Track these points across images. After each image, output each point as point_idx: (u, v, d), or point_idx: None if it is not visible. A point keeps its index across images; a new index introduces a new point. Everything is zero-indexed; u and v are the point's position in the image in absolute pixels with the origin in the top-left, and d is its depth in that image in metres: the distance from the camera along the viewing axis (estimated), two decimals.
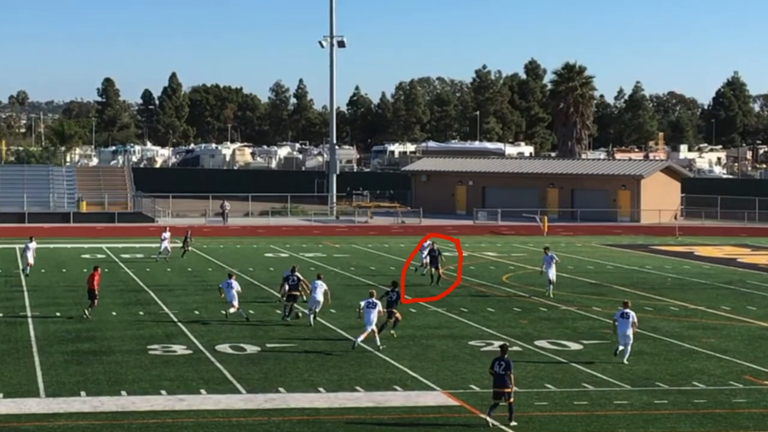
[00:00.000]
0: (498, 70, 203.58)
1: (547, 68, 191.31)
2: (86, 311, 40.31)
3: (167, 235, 60.81)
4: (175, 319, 39.93)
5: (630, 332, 32.44)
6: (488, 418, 25.39)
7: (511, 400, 25.53)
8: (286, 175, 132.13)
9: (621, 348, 32.68)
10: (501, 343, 29.16)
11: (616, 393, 28.61)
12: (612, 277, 53.54)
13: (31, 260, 53.07)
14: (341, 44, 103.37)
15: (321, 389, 28.76)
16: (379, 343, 34.21)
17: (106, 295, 46.15)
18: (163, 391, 28.34)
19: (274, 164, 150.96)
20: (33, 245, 54.08)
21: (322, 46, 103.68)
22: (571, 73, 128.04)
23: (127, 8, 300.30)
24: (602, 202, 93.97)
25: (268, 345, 34.86)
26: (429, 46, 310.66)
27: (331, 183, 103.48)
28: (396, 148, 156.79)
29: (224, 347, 34.43)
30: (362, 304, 35.06)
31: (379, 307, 34.78)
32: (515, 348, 34.61)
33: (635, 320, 32.84)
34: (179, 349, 34.11)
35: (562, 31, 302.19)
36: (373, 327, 34.43)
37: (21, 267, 54.34)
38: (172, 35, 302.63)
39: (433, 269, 50.59)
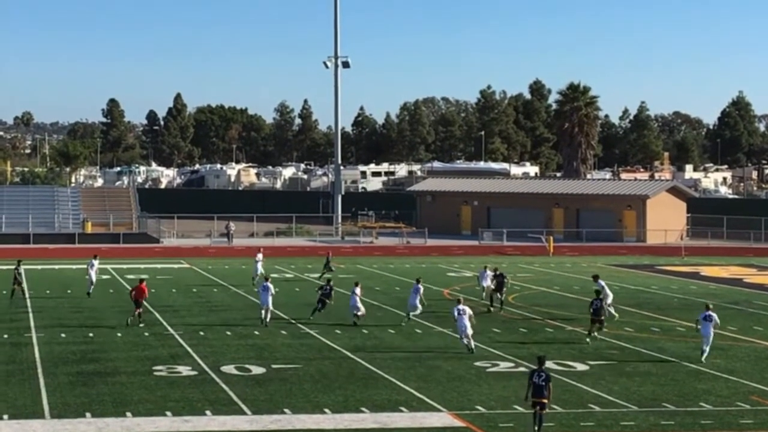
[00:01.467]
0: (503, 90, 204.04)
1: (551, 88, 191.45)
2: (131, 319, 43.31)
3: (260, 256, 60.38)
4: (181, 340, 39.88)
5: (712, 332, 36.32)
6: (536, 428, 25.99)
7: (545, 411, 26.11)
8: (290, 196, 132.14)
9: (706, 348, 36.23)
10: (540, 354, 28.84)
11: (623, 414, 28.55)
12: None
13: (94, 278, 53.75)
14: (346, 65, 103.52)
15: (327, 410, 28.71)
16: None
17: (111, 316, 46.19)
18: (168, 413, 28.28)
19: (279, 185, 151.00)
20: (96, 263, 54.86)
21: (326, 66, 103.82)
22: (575, 93, 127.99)
23: (132, 29, 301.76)
24: (608, 222, 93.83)
25: (274, 366, 34.82)
26: (433, 67, 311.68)
27: (336, 203, 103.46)
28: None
29: (229, 368, 34.38)
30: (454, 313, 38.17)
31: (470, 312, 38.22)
32: (521, 369, 34.58)
33: (717, 321, 36.91)
34: (184, 370, 34.06)
35: (567, 52, 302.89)
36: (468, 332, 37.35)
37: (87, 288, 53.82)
38: (177, 56, 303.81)
39: (498, 295, 49.06)
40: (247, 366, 34.76)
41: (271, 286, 44.30)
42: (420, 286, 45.32)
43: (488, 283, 50.31)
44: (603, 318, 41.11)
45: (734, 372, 34.52)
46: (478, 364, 35.49)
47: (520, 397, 30.02)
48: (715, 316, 36.93)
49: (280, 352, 37.48)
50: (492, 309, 48.09)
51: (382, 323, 44.29)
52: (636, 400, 30.16)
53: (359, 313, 44.13)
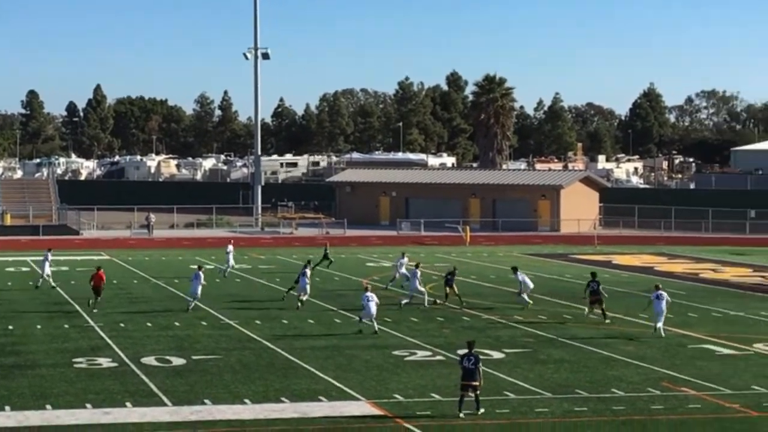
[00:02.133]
0: (420, 82, 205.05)
1: (468, 80, 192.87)
2: (92, 303, 45.82)
3: (231, 248, 60.36)
4: (101, 332, 39.88)
5: (665, 308, 39.52)
6: (459, 413, 27.05)
7: (479, 392, 27.40)
8: (211, 187, 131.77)
9: (659, 325, 39.00)
10: (469, 339, 29.83)
11: (537, 401, 29.07)
12: (533, 286, 53.98)
13: (47, 271, 53.73)
14: (266, 56, 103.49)
15: (247, 401, 28.93)
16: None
17: (31, 308, 46.06)
18: (88, 405, 28.34)
19: (199, 176, 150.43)
20: (50, 256, 55.22)
21: (246, 58, 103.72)
22: (491, 85, 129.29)
23: (50, 20, 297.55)
24: (523, 211, 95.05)
25: (194, 357, 35.00)
26: (352, 58, 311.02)
27: (256, 194, 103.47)
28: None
29: (150, 360, 34.51)
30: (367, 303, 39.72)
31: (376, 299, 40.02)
32: (438, 357, 35.16)
33: (669, 299, 40.13)
34: (105, 362, 34.12)
35: (484, 44, 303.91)
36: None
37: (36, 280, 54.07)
38: (97, 47, 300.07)
39: (447, 288, 48.36)
40: (167, 357, 34.91)
41: (202, 275, 45.99)
42: (418, 270, 47.49)
43: (403, 270, 51.15)
44: (601, 298, 43.11)
45: (645, 359, 35.22)
46: (396, 353, 35.98)
47: (438, 385, 30.69)
48: (665, 294, 39.97)
49: (201, 343, 37.66)
50: (439, 301, 48.16)
51: (301, 313, 44.64)
52: (550, 387, 30.71)
53: (303, 297, 46.26)
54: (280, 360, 34.75)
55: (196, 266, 50.02)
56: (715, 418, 27.48)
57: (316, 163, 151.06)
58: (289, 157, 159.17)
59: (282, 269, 62.58)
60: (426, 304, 46.59)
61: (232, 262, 59.30)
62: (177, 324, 41.75)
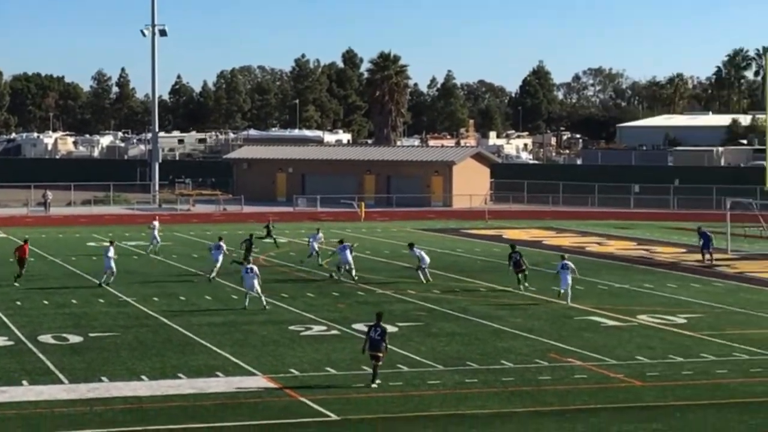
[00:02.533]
0: (317, 59, 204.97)
1: (363, 57, 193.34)
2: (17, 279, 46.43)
3: (156, 224, 60.40)
4: None
5: (570, 279, 42.17)
6: (372, 383, 28.08)
7: (380, 363, 28.18)
8: (108, 164, 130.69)
9: (566, 291, 41.81)
10: (378, 311, 30.65)
11: (429, 373, 29.70)
12: (429, 261, 54.75)
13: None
14: (163, 33, 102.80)
15: (144, 377, 29.17)
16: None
17: None
18: None
19: (96, 153, 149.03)
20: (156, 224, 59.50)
21: (143, 35, 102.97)
22: (386, 62, 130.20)
23: None
24: (416, 187, 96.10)
25: (91, 334, 35.14)
26: (250, 35, 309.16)
27: (154, 171, 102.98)
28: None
29: (46, 337, 34.58)
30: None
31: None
32: (333, 332, 35.83)
33: (574, 268, 42.75)
34: (1, 341, 34.08)
35: (378, 21, 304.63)
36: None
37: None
38: None
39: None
40: (64, 335, 34.98)
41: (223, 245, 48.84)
42: (347, 245, 48.57)
43: (317, 247, 52.21)
44: (525, 268, 45.78)
45: (533, 330, 36.17)
46: (292, 328, 36.50)
47: (333, 360, 31.36)
48: (571, 264, 42.72)
49: (98, 321, 37.79)
50: (334, 276, 48.90)
51: (198, 290, 44.93)
52: (442, 360, 31.38)
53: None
54: (177, 336, 35.08)
55: (218, 238, 51.23)
56: (601, 387, 28.35)
57: (203, 140, 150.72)
58: (177, 134, 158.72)
59: (179, 246, 62.68)
60: (354, 276, 47.63)
61: (158, 238, 59.40)
62: (74, 301, 41.81)
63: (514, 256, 45.92)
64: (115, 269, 46.13)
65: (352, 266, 47.88)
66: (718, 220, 68.02)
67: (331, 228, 73.95)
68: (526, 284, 45.50)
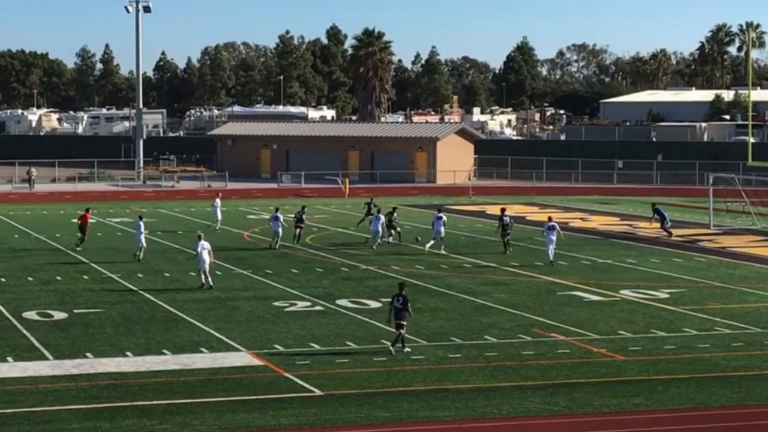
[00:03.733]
0: (301, 36, 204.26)
1: (347, 33, 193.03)
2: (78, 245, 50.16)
3: (219, 201, 60.80)
4: None
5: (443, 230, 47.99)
6: (391, 348, 29.29)
7: (404, 330, 29.33)
8: (92, 141, 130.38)
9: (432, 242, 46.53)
10: (400, 280, 32.50)
11: (413, 349, 29.72)
12: (408, 237, 54.98)
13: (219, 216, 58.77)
14: (147, 9, 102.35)
15: (128, 353, 29.22)
16: None
17: None
18: None
19: (80, 130, 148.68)
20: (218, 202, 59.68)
21: (127, 11, 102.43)
22: (370, 39, 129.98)
23: None
24: (401, 163, 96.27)
25: (76, 311, 35.19)
26: (234, 11, 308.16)
27: (138, 148, 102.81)
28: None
29: (31, 314, 34.63)
30: None
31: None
32: (317, 308, 35.94)
33: (560, 230, 47.26)
34: None
35: None
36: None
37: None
38: None
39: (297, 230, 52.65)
40: (49, 311, 35.04)
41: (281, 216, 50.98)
42: (389, 215, 51.69)
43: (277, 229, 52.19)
44: (509, 232, 49.46)
45: (517, 306, 36.36)
46: (276, 304, 36.60)
47: (317, 335, 31.47)
48: (557, 225, 47.06)
49: (82, 297, 37.85)
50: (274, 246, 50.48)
51: (183, 266, 44.91)
52: (425, 335, 31.50)
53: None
54: (161, 312, 35.16)
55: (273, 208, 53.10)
56: (584, 362, 28.54)
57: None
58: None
59: (165, 223, 62.67)
60: (386, 239, 51.68)
61: (220, 216, 59.54)
62: (59, 278, 41.83)
63: (504, 218, 48.90)
64: (144, 243, 47.33)
65: (442, 235, 50.10)
66: (700, 196, 68.31)
67: (315, 204, 73.98)
68: (511, 249, 48.64)
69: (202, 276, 39.73)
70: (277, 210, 52.23)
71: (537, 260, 46.90)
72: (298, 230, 52.05)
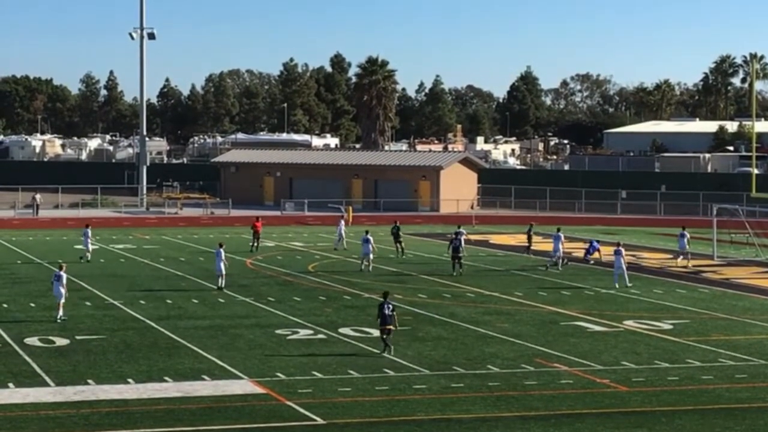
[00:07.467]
0: (305, 63, 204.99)
1: (351, 62, 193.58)
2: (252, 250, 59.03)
3: (343, 223, 64.33)
4: None
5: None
6: (384, 353, 32.10)
7: (391, 336, 32.62)
8: (96, 167, 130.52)
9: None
10: (384, 290, 34.98)
11: (415, 378, 29.69)
12: (413, 266, 55.09)
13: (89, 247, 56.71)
14: (151, 36, 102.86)
15: (130, 380, 29.14)
16: None
17: None
18: None
19: (84, 156, 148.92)
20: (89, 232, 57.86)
21: (132, 38, 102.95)
22: (374, 67, 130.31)
23: None
24: (404, 192, 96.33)
25: (78, 337, 35.12)
26: (238, 39, 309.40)
27: (142, 174, 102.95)
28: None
29: (33, 340, 34.55)
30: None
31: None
32: (320, 336, 35.85)
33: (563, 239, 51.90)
34: None
35: (367, 26, 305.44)
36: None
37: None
38: None
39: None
40: (50, 338, 34.96)
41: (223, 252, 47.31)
42: (221, 250, 46.66)
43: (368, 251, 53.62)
44: (461, 255, 51.39)
45: (520, 336, 36.25)
46: (278, 332, 36.52)
47: (319, 363, 31.38)
48: (562, 236, 52.31)
49: (84, 324, 37.77)
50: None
51: (185, 293, 44.89)
52: (428, 364, 31.39)
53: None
54: (163, 339, 35.08)
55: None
56: (587, 393, 28.41)
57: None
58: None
59: (167, 249, 62.66)
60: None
61: (344, 236, 63.08)
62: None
63: (455, 241, 50.79)
64: (90, 248, 48.43)
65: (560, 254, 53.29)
66: (704, 227, 68.20)
67: (318, 233, 74.08)
68: (461, 270, 50.41)
69: (221, 280, 45.22)
70: (367, 232, 54.09)
71: (541, 290, 46.83)
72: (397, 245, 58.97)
